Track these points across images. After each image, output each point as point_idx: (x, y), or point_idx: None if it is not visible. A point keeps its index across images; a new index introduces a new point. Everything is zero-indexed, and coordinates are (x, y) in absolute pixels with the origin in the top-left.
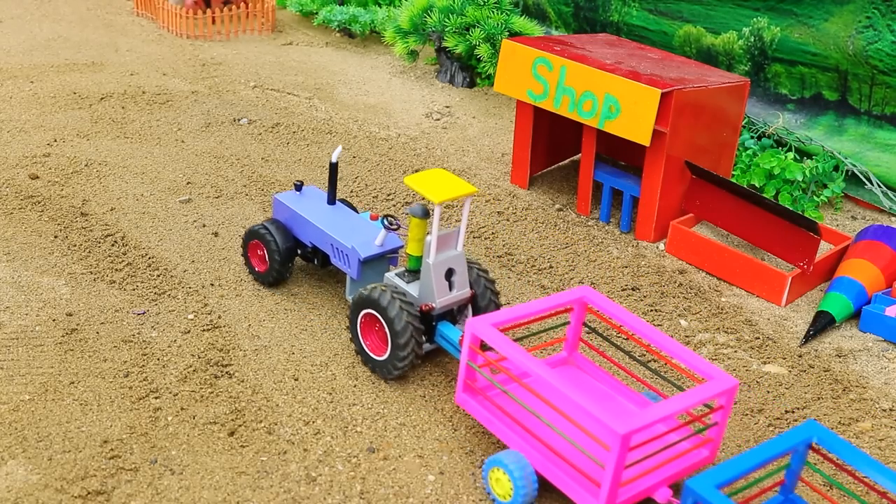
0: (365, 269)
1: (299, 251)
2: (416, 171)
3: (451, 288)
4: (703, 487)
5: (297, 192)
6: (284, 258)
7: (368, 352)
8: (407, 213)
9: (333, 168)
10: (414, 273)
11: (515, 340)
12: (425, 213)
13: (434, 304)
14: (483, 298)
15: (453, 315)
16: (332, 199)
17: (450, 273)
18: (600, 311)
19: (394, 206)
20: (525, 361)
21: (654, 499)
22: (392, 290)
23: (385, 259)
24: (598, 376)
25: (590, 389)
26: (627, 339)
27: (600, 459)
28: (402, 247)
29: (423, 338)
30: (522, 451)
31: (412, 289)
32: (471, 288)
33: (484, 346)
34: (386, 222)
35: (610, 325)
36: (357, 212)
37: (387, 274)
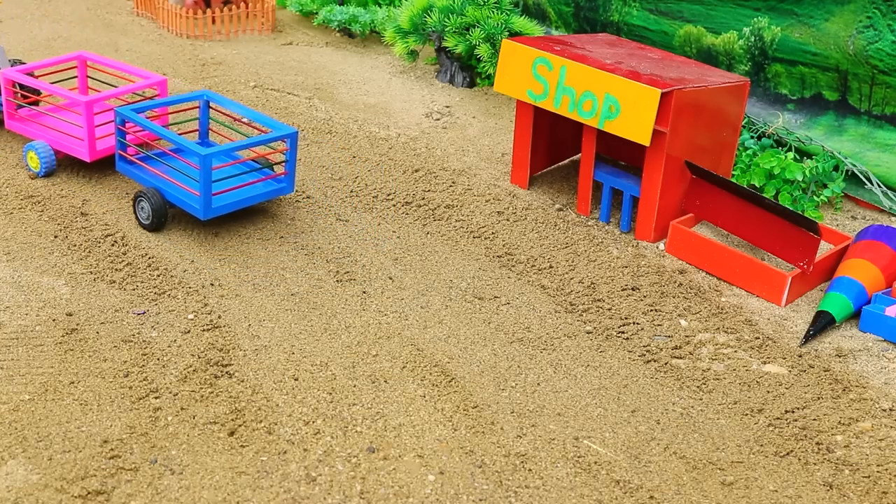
0: None
1: None
2: (416, 171)
3: None
4: (126, 111)
5: None
6: None
7: None
8: None
9: None
10: None
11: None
12: None
13: None
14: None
15: None
16: None
17: None
18: (98, 64)
19: (394, 205)
20: (44, 86)
21: None
22: None
23: None
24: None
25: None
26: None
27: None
28: None
29: None
30: (45, 140)
31: None
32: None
33: (35, 91)
34: None
35: (107, 73)
36: None
37: None
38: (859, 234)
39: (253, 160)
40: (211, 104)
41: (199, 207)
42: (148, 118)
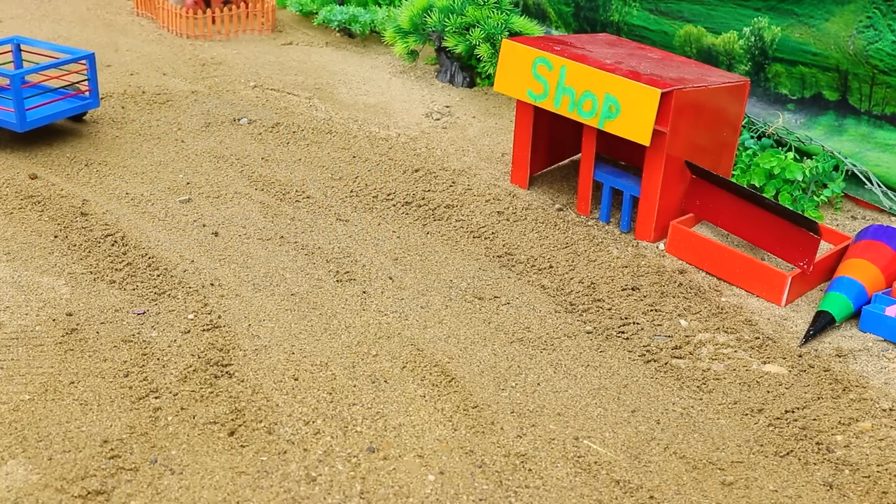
0: None
1: None
2: (416, 171)
3: None
4: None
5: None
6: None
7: None
8: None
9: None
10: None
11: None
12: None
13: None
14: None
15: None
16: None
17: None
18: None
19: (394, 205)
20: None
21: None
22: None
23: None
24: None
25: None
26: None
27: None
28: None
29: None
30: None
31: None
32: None
33: None
34: None
35: None
36: None
37: None
38: (859, 234)
39: (57, 80)
40: (22, 46)
41: (16, 122)
42: None
